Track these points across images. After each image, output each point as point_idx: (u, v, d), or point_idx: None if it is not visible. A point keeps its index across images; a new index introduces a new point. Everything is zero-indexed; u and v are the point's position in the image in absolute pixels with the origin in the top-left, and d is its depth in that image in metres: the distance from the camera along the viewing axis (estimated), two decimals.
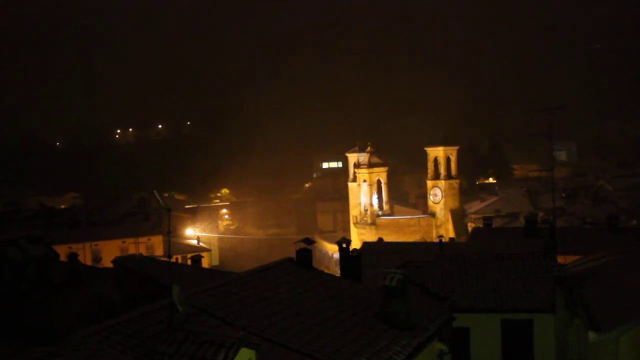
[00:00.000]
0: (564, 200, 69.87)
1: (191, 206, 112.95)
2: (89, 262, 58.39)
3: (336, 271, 29.11)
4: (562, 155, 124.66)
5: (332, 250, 74.44)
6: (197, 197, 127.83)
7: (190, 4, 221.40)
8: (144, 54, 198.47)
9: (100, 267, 44.04)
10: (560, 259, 26.59)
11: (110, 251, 60.15)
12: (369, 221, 79.58)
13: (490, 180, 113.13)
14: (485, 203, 78.39)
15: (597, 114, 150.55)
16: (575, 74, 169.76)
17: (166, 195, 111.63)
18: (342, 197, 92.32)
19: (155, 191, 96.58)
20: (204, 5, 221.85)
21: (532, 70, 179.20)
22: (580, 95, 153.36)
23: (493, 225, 52.06)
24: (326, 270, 48.08)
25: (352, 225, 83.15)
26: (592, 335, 15.64)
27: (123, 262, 22.48)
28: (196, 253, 46.31)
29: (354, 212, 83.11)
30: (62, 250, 39.51)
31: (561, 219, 53.80)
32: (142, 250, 64.11)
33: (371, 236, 73.75)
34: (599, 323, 15.83)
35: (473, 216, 72.89)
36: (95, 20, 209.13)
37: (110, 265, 24.12)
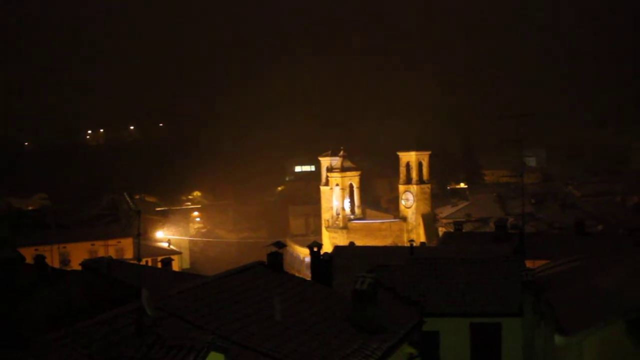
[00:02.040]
0: (533, 205, 70.83)
1: (162, 209, 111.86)
2: (56, 265, 57.38)
3: (307, 275, 29.11)
4: (531, 162, 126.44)
5: (304, 254, 74.46)
6: (168, 199, 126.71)
7: (165, 7, 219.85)
8: (117, 55, 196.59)
9: (69, 270, 43.38)
10: (529, 264, 26.96)
11: (79, 254, 59.27)
12: (341, 225, 79.76)
13: (462, 185, 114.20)
14: (456, 208, 79.09)
15: (567, 120, 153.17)
16: (547, 81, 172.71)
17: (137, 197, 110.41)
18: (315, 200, 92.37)
19: (125, 193, 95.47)
20: (180, 7, 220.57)
21: (504, 76, 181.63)
22: (550, 102, 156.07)
23: (464, 230, 52.52)
24: (297, 274, 48.03)
25: (324, 229, 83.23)
26: (557, 338, 15.89)
27: (92, 265, 22.22)
28: (166, 256, 45.98)
29: (326, 216, 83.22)
30: (29, 253, 38.74)
31: (530, 224, 54.56)
32: (112, 253, 63.30)
33: (343, 240, 73.93)
34: (565, 326, 16.09)
35: (444, 221, 73.49)
36: (66, 21, 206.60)
37: (79, 268, 23.81)
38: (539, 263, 28.70)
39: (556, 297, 19.33)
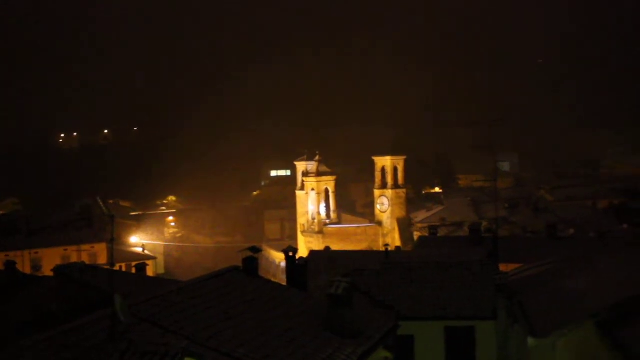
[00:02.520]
0: (507, 209, 71.45)
1: (137, 213, 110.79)
2: (28, 271, 56.42)
3: (283, 279, 29.08)
4: (504, 166, 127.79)
5: (279, 258, 74.27)
6: (142, 204, 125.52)
7: (140, 9, 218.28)
8: (91, 57, 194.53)
9: (40, 276, 42.72)
10: (503, 267, 27.27)
11: (51, 259, 58.42)
12: (317, 230, 79.79)
13: (436, 190, 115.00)
14: (431, 212, 79.58)
15: (540, 125, 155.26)
16: (521, 86, 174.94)
17: (111, 202, 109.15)
18: (290, 205, 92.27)
19: (98, 198, 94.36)
20: (156, 12, 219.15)
21: (479, 81, 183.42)
22: (524, 108, 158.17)
23: (438, 234, 52.91)
24: (273, 279, 47.90)
25: (299, 234, 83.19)
26: (530, 340, 16.12)
27: (64, 270, 21.95)
28: (141, 261, 45.57)
29: (301, 220, 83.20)
30: None
31: (504, 228, 55.08)
32: (85, 259, 62.39)
33: (318, 245, 73.94)
34: (537, 329, 16.32)
35: (419, 225, 73.90)
36: (37, 21, 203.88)
37: (51, 274, 23.49)
38: (512, 267, 29.08)
39: (529, 300, 19.60)
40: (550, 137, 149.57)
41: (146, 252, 79.53)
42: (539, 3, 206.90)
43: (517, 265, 29.32)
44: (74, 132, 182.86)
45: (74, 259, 62.54)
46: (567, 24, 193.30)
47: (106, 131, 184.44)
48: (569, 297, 18.28)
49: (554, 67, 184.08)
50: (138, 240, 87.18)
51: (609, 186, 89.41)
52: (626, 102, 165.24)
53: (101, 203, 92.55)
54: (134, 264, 43.95)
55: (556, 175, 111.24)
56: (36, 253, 66.64)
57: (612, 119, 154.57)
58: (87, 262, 50.33)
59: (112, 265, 17.49)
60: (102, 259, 67.93)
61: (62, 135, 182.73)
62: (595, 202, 78.21)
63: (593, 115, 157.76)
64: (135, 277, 30.73)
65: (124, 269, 57.06)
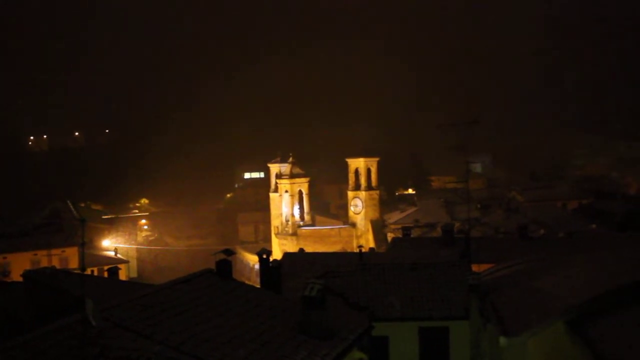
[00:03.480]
0: (479, 210, 72.13)
1: (108, 216, 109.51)
2: None
3: (257, 282, 29.01)
4: (477, 168, 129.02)
5: (253, 261, 74.09)
6: (114, 207, 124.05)
7: (115, 11, 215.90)
8: (64, 58, 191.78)
9: (9, 281, 41.97)
10: (475, 267, 27.52)
11: (20, 264, 57.37)
12: (290, 232, 79.71)
13: (410, 191, 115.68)
14: (405, 213, 79.97)
15: (512, 127, 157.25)
16: (493, 87, 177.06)
17: (82, 205, 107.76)
18: (264, 207, 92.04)
19: (69, 201, 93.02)
20: (129, 13, 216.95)
21: (451, 83, 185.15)
22: (496, 109, 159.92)
23: (412, 235, 53.22)
24: (247, 282, 47.75)
25: (273, 236, 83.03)
26: (502, 340, 16.28)
27: (33, 275, 21.63)
28: (113, 265, 45.00)
29: (275, 222, 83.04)
30: None
31: (476, 229, 55.58)
32: (56, 263, 61.39)
33: (292, 247, 73.90)
34: (509, 328, 16.51)
35: (393, 226, 74.21)
36: (2, 22, 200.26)
37: (20, 279, 23.11)
38: (484, 267, 29.31)
39: (501, 300, 19.81)
40: (522, 138, 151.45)
41: (119, 255, 78.64)
42: (517, 7, 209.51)
43: (489, 266, 29.57)
44: (44, 135, 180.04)
45: (44, 263, 61.44)
46: (543, 28, 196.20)
47: (77, 133, 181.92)
48: (540, 296, 18.53)
49: (526, 70, 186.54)
50: (110, 244, 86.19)
51: (579, 186, 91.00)
52: (595, 104, 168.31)
53: (71, 206, 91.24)
54: (106, 267, 43.50)
55: (527, 176, 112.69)
56: (4, 258, 65.46)
57: (580, 120, 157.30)
58: (58, 267, 49.61)
59: (83, 269, 17.27)
60: (73, 264, 66.92)
61: (32, 137, 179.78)
62: (565, 203, 79.50)
63: (563, 116, 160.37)
64: (107, 281, 30.36)
65: (95, 273, 56.42)
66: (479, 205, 74.23)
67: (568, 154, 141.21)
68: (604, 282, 16.83)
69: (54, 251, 67.16)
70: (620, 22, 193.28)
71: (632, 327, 13.85)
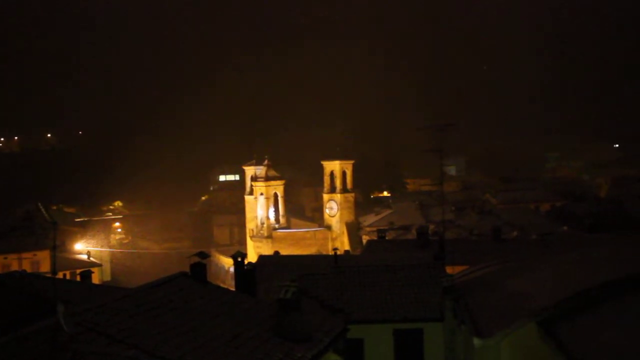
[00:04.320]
0: (453, 213, 72.69)
1: (81, 219, 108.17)
2: None
3: (232, 285, 28.89)
4: (451, 170, 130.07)
5: (228, 264, 73.71)
6: (88, 210, 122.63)
7: (89, 18, 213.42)
8: (35, 60, 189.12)
9: None
10: (449, 269, 27.70)
11: None
12: (266, 234, 79.52)
13: (385, 194, 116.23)
14: (380, 216, 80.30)
15: (485, 130, 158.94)
16: (467, 92, 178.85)
17: (54, 208, 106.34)
18: (239, 210, 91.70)
19: (40, 204, 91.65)
20: (107, 19, 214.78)
21: (426, 86, 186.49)
22: (470, 112, 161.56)
23: (387, 238, 53.42)
24: (222, 285, 47.47)
25: (248, 239, 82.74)
26: (476, 341, 16.44)
27: (3, 279, 21.26)
28: (86, 269, 44.41)
29: (250, 225, 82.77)
30: None
31: (450, 231, 55.98)
32: (27, 267, 60.60)
33: (267, 249, 73.71)
34: (482, 329, 16.68)
35: (368, 229, 74.46)
36: None
37: None
38: (458, 269, 29.53)
39: (474, 301, 20.01)
40: (495, 142, 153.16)
41: (92, 259, 77.69)
42: (493, 13, 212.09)
43: (463, 267, 29.81)
44: (15, 136, 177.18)
45: (14, 267, 60.58)
46: (518, 34, 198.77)
47: (49, 135, 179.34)
48: (512, 297, 18.75)
49: (501, 74, 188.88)
50: (83, 247, 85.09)
51: (551, 189, 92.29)
52: (567, 108, 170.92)
53: (43, 209, 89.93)
54: (78, 271, 42.81)
55: (501, 179, 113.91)
56: None
57: (552, 125, 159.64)
58: (29, 271, 48.87)
59: (55, 273, 17.03)
60: (45, 267, 65.97)
61: (2, 139, 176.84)
62: (538, 205, 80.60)
63: (535, 121, 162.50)
64: (79, 285, 29.93)
65: (68, 277, 55.58)
66: (453, 208, 74.86)
67: (540, 158, 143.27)
68: (575, 284, 17.09)
69: (24, 255, 66.23)
70: (593, 28, 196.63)
71: (602, 327, 14.09)
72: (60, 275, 57.98)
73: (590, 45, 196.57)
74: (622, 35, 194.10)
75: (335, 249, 43.93)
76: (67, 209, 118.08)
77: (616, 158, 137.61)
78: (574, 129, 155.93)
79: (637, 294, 15.21)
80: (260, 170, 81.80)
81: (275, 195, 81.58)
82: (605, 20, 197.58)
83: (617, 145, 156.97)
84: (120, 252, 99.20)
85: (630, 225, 53.39)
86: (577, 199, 78.39)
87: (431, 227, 55.34)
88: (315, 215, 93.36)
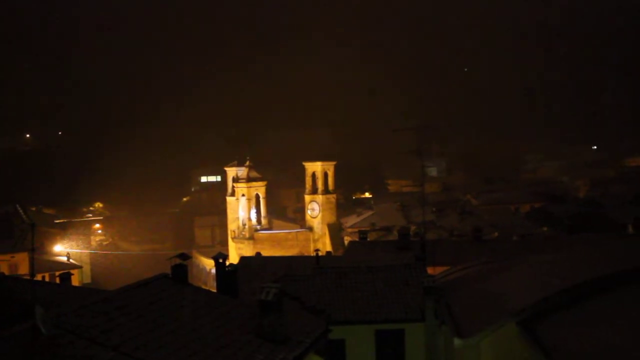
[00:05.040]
0: (434, 213, 73.01)
1: (61, 221, 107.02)
2: None
3: (214, 286, 28.80)
4: (432, 171, 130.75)
5: (210, 265, 73.37)
6: (67, 211, 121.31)
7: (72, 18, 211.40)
8: (13, 58, 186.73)
9: None
10: (430, 270, 27.89)
11: None
12: (247, 235, 79.27)
13: (366, 195, 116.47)
14: (361, 217, 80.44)
15: (466, 131, 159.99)
16: (448, 93, 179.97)
17: (33, 209, 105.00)
18: (221, 211, 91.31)
19: (18, 205, 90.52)
20: (91, 18, 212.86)
21: (407, 88, 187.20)
22: (452, 113, 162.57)
23: (368, 239, 53.54)
24: (204, 286, 47.31)
25: (230, 240, 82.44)
26: (456, 341, 16.56)
27: None
28: (65, 270, 43.97)
29: (232, 226, 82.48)
30: None
31: (431, 232, 56.30)
32: (4, 269, 59.87)
33: (249, 251, 73.51)
34: (463, 329, 16.80)
35: (349, 230, 74.57)
36: None
37: None
38: (439, 269, 29.75)
39: (455, 302, 20.15)
40: (476, 143, 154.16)
41: (71, 260, 76.89)
42: (474, 15, 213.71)
43: (444, 268, 30.02)
44: None
45: None
46: (499, 36, 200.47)
47: (27, 135, 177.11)
48: (492, 297, 18.91)
49: (482, 76, 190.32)
50: (63, 249, 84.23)
51: (531, 190, 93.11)
52: (547, 110, 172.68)
53: (21, 211, 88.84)
54: (57, 273, 42.42)
55: (482, 180, 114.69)
56: None
57: (531, 127, 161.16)
58: (7, 273, 48.30)
59: (33, 275, 16.78)
60: (23, 269, 65.13)
61: None
62: (518, 206, 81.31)
63: (515, 123, 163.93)
64: (59, 287, 29.61)
65: (47, 279, 55.06)
66: (434, 209, 75.19)
67: (520, 159, 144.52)
68: (553, 283, 17.27)
69: (2, 257, 65.43)
70: (572, 29, 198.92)
71: (579, 326, 14.26)
72: (39, 277, 57.34)
73: (569, 48, 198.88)
74: (600, 36, 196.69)
75: (316, 250, 44.04)
76: (46, 210, 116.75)
77: (595, 159, 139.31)
78: (553, 131, 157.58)
79: (614, 293, 15.41)
80: (242, 172, 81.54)
81: (257, 197, 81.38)
82: (586, 21, 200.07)
83: (595, 147, 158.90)
84: (101, 253, 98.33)
85: (608, 226, 54.07)
86: (557, 200, 79.18)
87: (412, 228, 55.56)
88: (297, 217, 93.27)
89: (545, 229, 61.82)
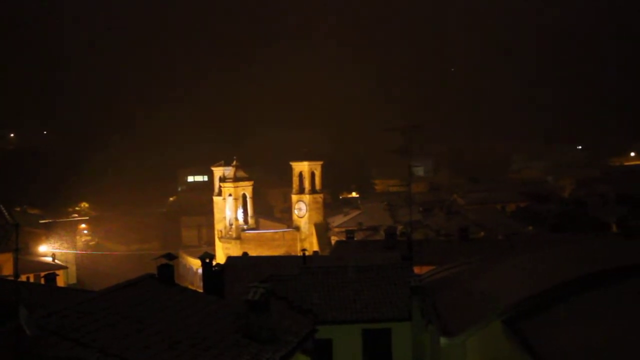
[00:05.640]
0: (421, 213, 73.24)
1: (46, 221, 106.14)
2: None
3: (201, 286, 28.72)
4: (419, 171, 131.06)
5: (196, 265, 73.07)
6: (53, 211, 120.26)
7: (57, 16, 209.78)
8: None
9: None
10: (417, 269, 27.95)
11: None
12: (234, 235, 79.10)
13: (354, 194, 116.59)
14: (348, 217, 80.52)
15: (453, 131, 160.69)
16: (435, 94, 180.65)
17: (18, 209, 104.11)
18: (207, 211, 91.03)
19: (1, 205, 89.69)
20: (78, 15, 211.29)
21: (395, 88, 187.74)
22: (438, 115, 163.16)
23: (355, 238, 53.64)
24: (190, 286, 47.12)
25: (217, 240, 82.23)
26: (443, 340, 16.63)
27: None
28: (50, 271, 43.67)
29: (219, 226, 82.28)
30: None
31: (418, 231, 56.46)
32: None
33: (236, 250, 73.32)
34: (449, 328, 16.87)
35: (336, 229, 74.61)
36: None
37: None
38: (426, 269, 29.81)
39: (441, 301, 20.22)
40: (462, 143, 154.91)
41: (57, 261, 76.29)
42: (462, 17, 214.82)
43: (431, 267, 30.11)
44: None
45: None
46: (484, 37, 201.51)
47: (12, 135, 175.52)
48: (478, 296, 18.99)
49: (468, 76, 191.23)
50: (48, 249, 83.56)
51: (516, 190, 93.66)
52: (531, 111, 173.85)
53: (4, 211, 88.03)
54: (42, 274, 42.15)
55: (468, 180, 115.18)
56: None
57: (517, 127, 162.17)
58: None
59: (17, 276, 16.61)
60: (7, 270, 64.36)
61: None
62: (504, 206, 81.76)
63: (501, 123, 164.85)
64: (44, 288, 29.42)
65: (31, 280, 54.63)
66: (421, 209, 75.42)
67: (506, 159, 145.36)
68: (539, 282, 17.39)
69: None
70: (556, 30, 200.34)
71: (565, 324, 14.37)
72: (23, 278, 56.88)
73: (553, 48, 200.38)
74: (584, 36, 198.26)
75: (304, 250, 43.98)
76: (31, 211, 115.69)
77: (579, 159, 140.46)
78: (538, 131, 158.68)
79: (598, 292, 15.54)
80: (229, 171, 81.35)
81: (244, 196, 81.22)
82: (570, 22, 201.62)
83: (580, 147, 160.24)
84: (87, 254, 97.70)
85: (592, 225, 54.55)
86: (542, 200, 79.74)
87: (399, 227, 55.74)
88: (284, 216, 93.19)
89: (530, 228, 62.24)
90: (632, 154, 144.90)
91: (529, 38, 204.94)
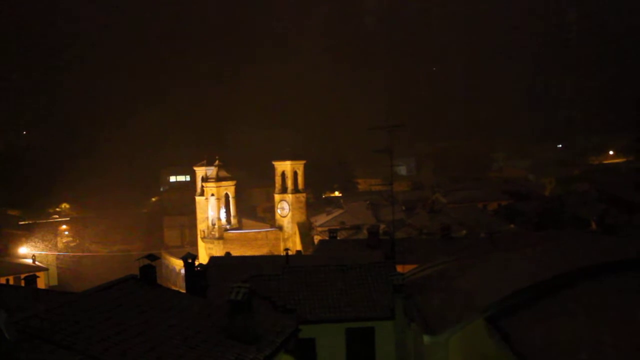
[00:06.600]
0: (404, 212, 73.53)
1: (26, 222, 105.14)
2: None
3: (184, 287, 28.58)
4: (402, 170, 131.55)
5: (179, 265, 72.81)
6: (33, 212, 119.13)
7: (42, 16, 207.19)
8: None
9: None
10: (400, 268, 28.02)
11: None
12: (217, 235, 78.86)
13: (336, 194, 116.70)
14: (331, 216, 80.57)
15: (434, 130, 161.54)
16: (417, 92, 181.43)
17: None
18: (190, 211, 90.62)
19: None
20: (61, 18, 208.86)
21: (376, 87, 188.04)
22: (420, 112, 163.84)
23: (338, 237, 53.67)
24: (173, 287, 46.92)
25: (199, 240, 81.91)
26: (425, 338, 16.72)
27: None
28: (31, 273, 43.23)
29: (201, 226, 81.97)
30: None
31: (401, 230, 56.70)
32: None
33: (219, 250, 73.13)
34: (432, 327, 16.96)
35: (319, 229, 74.66)
36: None
37: None
38: (409, 267, 29.92)
39: (424, 299, 20.33)
40: (444, 142, 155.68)
41: (37, 263, 75.63)
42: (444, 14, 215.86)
43: (413, 266, 30.23)
44: None
45: None
46: (466, 36, 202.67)
47: None
48: (461, 295, 19.12)
49: (449, 76, 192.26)
50: (28, 251, 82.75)
51: (498, 189, 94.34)
52: (514, 110, 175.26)
53: None
54: (22, 276, 41.71)
55: (450, 179, 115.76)
56: None
57: (498, 126, 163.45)
58: None
59: None
60: None
61: None
62: (486, 204, 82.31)
63: (482, 121, 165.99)
64: (24, 290, 29.10)
65: (11, 282, 54.12)
66: (403, 207, 75.71)
67: (487, 158, 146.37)
68: (520, 280, 17.54)
69: None
70: (538, 29, 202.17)
71: (545, 321, 14.51)
72: (2, 280, 56.36)
73: (534, 46, 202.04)
74: (564, 35, 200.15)
75: (286, 250, 43.85)
76: (10, 212, 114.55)
77: (560, 158, 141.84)
78: (519, 130, 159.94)
79: (579, 288, 15.72)
80: (211, 171, 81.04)
81: (227, 196, 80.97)
82: (551, 21, 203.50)
83: (560, 146, 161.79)
84: (68, 255, 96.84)
85: (572, 223, 55.15)
86: (523, 198, 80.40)
87: (382, 226, 55.88)
88: (267, 216, 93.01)
89: (512, 226, 62.72)
90: (611, 152, 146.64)
91: (510, 38, 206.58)
